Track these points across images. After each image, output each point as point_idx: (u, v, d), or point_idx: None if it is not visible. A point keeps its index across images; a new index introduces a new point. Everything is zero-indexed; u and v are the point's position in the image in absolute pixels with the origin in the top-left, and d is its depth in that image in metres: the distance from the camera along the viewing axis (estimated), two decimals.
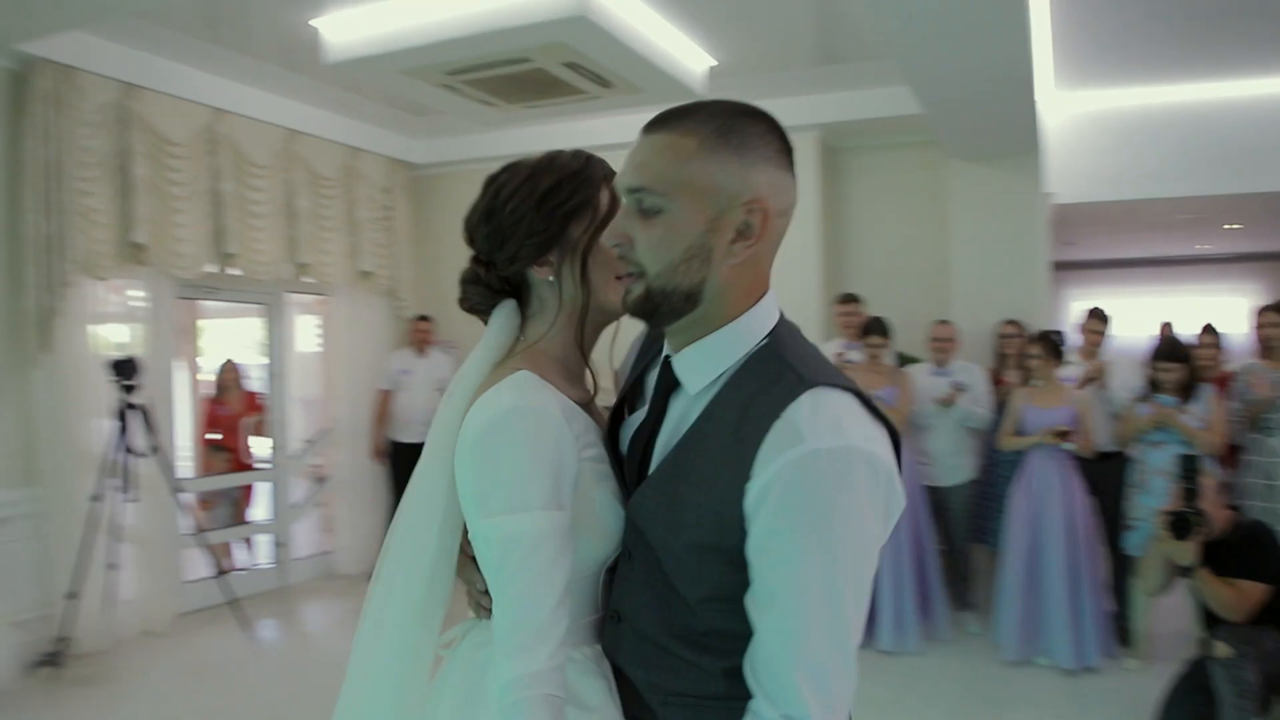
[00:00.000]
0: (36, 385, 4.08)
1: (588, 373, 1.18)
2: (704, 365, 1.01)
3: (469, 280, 1.18)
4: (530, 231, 1.12)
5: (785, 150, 1.01)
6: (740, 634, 0.95)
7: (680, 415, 1.04)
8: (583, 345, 1.16)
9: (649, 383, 1.11)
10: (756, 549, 0.92)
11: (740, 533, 0.93)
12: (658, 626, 1.02)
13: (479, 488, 1.02)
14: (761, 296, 1.02)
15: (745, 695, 0.95)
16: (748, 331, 1.01)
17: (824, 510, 0.89)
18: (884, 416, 0.97)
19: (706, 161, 0.96)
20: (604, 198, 1.14)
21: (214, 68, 4.62)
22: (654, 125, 1.00)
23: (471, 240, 1.17)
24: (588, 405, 1.13)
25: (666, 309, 1.00)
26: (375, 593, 1.15)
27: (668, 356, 1.06)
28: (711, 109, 0.99)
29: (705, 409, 1.00)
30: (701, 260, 0.98)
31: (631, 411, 1.13)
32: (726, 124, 0.97)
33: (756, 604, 0.94)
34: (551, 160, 1.16)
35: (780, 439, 0.91)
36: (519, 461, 1.00)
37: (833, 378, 0.96)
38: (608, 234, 1.04)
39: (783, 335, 1.02)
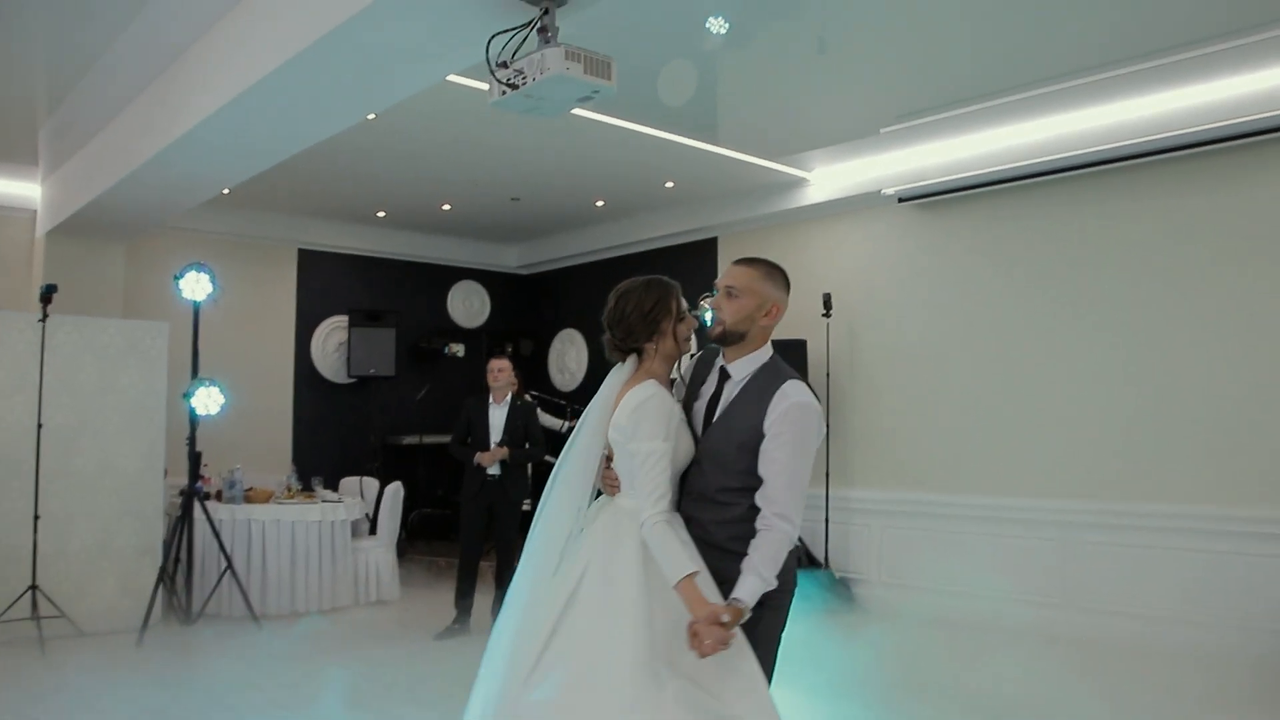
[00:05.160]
0: None
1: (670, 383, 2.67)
2: (743, 368, 2.57)
3: (611, 348, 2.66)
4: (643, 330, 2.60)
5: (787, 287, 2.60)
6: (749, 488, 2.45)
7: (729, 393, 2.57)
8: (668, 370, 2.64)
9: (703, 389, 2.65)
10: (769, 440, 2.43)
11: (760, 436, 2.44)
12: (713, 490, 2.50)
13: (636, 429, 2.47)
14: (768, 342, 2.59)
15: (752, 518, 2.43)
16: (761, 356, 2.58)
17: (797, 427, 2.43)
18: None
19: (758, 282, 2.55)
20: (674, 306, 2.62)
21: None
22: (740, 262, 2.61)
23: (610, 330, 2.64)
24: (677, 398, 2.62)
25: (732, 339, 2.56)
26: (550, 494, 2.60)
27: (723, 366, 2.61)
28: (765, 263, 2.60)
29: (742, 389, 2.55)
30: (750, 321, 2.54)
31: (688, 405, 2.67)
32: (770, 269, 2.59)
33: (765, 466, 2.43)
34: (646, 291, 2.62)
35: (780, 399, 2.46)
36: (657, 417, 2.47)
37: (796, 376, 2.50)
38: (712, 306, 2.62)
39: (776, 358, 2.57)
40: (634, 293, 2.60)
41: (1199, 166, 5.61)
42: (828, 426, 5.02)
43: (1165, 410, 5.70)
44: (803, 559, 6.69)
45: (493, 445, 6.16)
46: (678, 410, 2.56)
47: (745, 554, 2.39)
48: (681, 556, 2.36)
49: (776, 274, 2.59)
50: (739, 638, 2.34)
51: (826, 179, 7.41)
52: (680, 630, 2.29)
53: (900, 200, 6.90)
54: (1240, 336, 5.45)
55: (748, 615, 2.33)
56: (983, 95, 5.61)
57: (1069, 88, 5.43)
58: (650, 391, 2.50)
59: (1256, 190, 5.42)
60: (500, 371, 6.28)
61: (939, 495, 6.64)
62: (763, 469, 2.43)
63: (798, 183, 7.53)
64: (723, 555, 2.44)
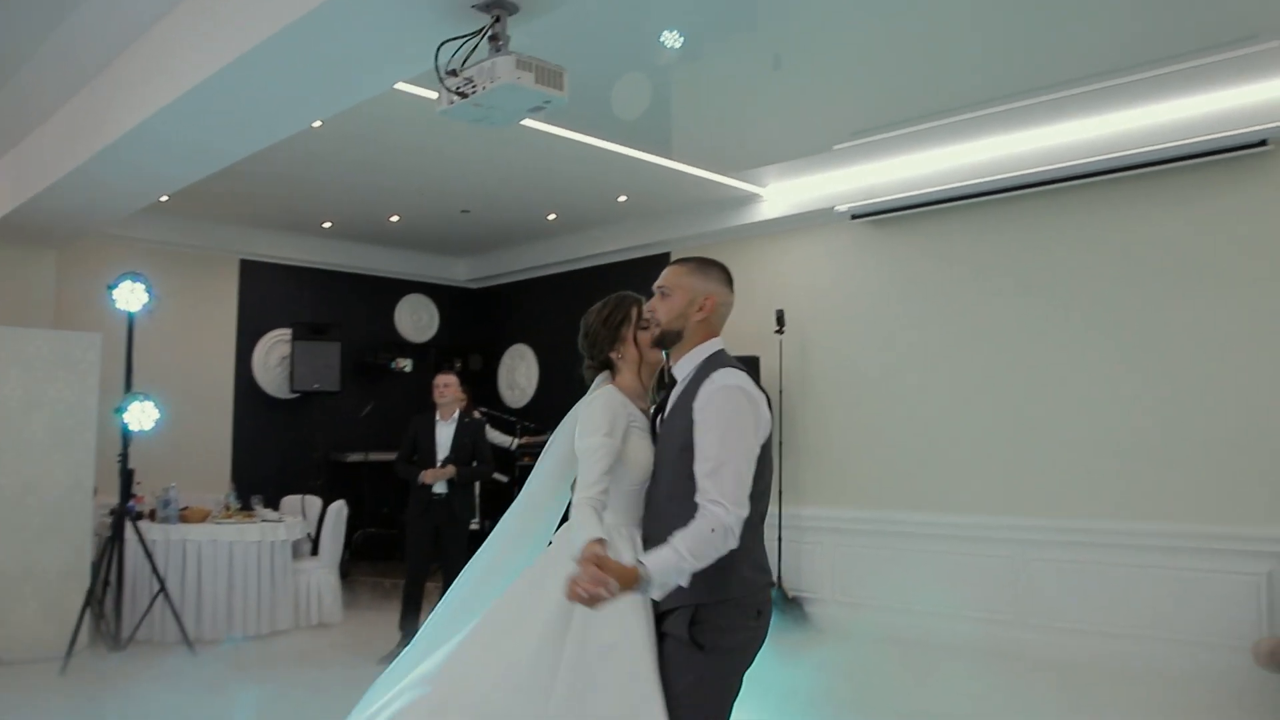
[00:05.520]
0: None
1: (647, 395, 2.67)
2: (684, 367, 2.50)
3: (585, 367, 2.70)
4: (605, 338, 2.66)
5: (727, 278, 2.56)
6: (692, 492, 2.26)
7: (673, 396, 2.49)
8: (643, 381, 2.67)
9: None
10: (695, 429, 2.31)
11: (693, 430, 2.32)
12: (662, 499, 2.41)
13: (587, 425, 2.47)
14: (710, 339, 2.50)
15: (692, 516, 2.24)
16: (703, 351, 2.50)
17: (720, 409, 2.30)
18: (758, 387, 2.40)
19: (687, 277, 2.51)
20: (634, 312, 2.66)
21: None
22: (672, 262, 2.58)
23: (582, 349, 2.70)
24: (644, 409, 2.60)
25: (670, 339, 2.51)
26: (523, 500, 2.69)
27: (670, 369, 2.56)
28: (696, 259, 2.57)
29: (683, 389, 2.44)
30: (683, 318, 2.49)
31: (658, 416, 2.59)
32: (700, 264, 2.55)
33: (697, 460, 2.29)
34: (606, 303, 2.70)
35: (705, 385, 2.34)
36: (601, 414, 2.47)
37: (734, 366, 2.40)
38: (645, 309, 2.60)
39: (721, 353, 2.49)
40: (598, 307, 2.71)
41: (1152, 185, 5.73)
42: (780, 441, 5.05)
43: (1119, 426, 5.78)
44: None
45: (439, 463, 6.06)
46: (635, 415, 2.52)
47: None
48: (595, 526, 2.27)
49: (709, 267, 2.54)
50: (650, 682, 2.26)
51: (780, 195, 7.45)
52: (587, 663, 2.26)
53: (854, 217, 6.96)
54: (1195, 352, 5.56)
55: (646, 588, 2.13)
56: (936, 113, 5.68)
57: (1023, 106, 5.52)
58: (601, 394, 2.54)
59: (1213, 209, 5.54)
60: (447, 387, 6.20)
61: (892, 512, 6.67)
62: (696, 462, 2.29)
63: (751, 198, 7.56)
64: None
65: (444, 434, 6.14)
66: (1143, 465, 5.67)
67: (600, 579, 2.06)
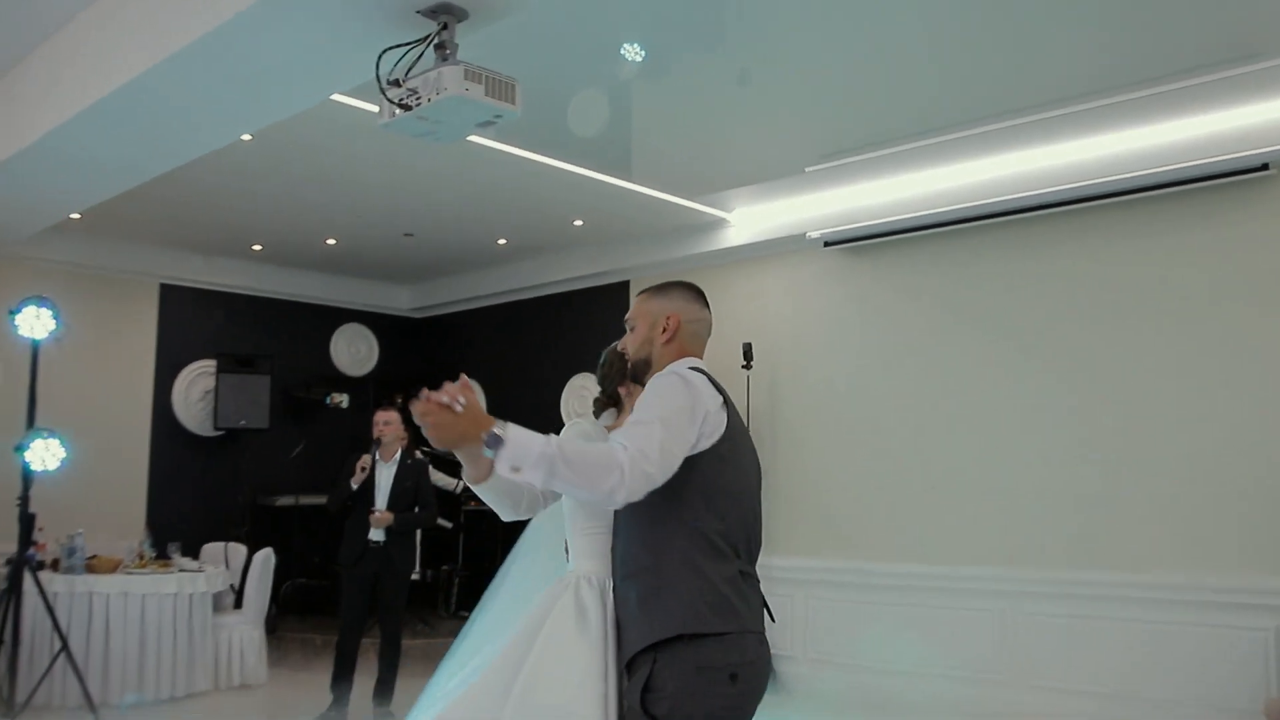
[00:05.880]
0: None
1: None
2: None
3: (594, 400, 2.88)
4: (618, 374, 2.73)
5: (693, 293, 2.59)
6: (649, 509, 2.23)
7: None
8: None
9: None
10: None
11: None
12: (622, 521, 2.36)
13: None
14: (683, 358, 2.48)
15: (636, 550, 2.31)
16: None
17: (649, 388, 2.32)
18: (719, 387, 2.40)
19: (647, 303, 2.57)
20: None
21: None
22: (639, 295, 2.62)
23: (598, 381, 2.85)
24: None
25: (640, 369, 2.54)
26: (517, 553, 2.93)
27: None
28: (656, 285, 2.62)
29: None
30: (648, 344, 2.54)
31: None
32: (660, 287, 2.61)
33: None
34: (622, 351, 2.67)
35: None
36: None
37: (701, 370, 2.42)
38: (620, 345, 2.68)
39: (694, 370, 2.41)
40: (614, 352, 2.81)
41: (1146, 212, 5.79)
42: None
43: (1113, 470, 5.81)
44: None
45: (379, 506, 5.95)
46: None
47: (633, 598, 2.26)
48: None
49: (670, 287, 2.59)
50: None
51: (748, 220, 7.47)
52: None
53: (826, 244, 6.99)
54: (1196, 393, 5.59)
55: (493, 444, 2.05)
56: (915, 134, 5.73)
57: (1009, 127, 5.57)
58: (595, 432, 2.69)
59: (1209, 239, 5.61)
60: (388, 425, 6.10)
61: (870, 563, 6.64)
62: None
63: (717, 224, 7.58)
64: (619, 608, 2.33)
65: (384, 476, 6.04)
66: (1139, 512, 5.69)
67: (453, 393, 2.07)
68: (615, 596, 2.33)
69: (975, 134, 5.65)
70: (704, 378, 2.36)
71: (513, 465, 2.04)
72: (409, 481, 6.08)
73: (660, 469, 2.12)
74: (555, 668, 2.22)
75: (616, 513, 2.36)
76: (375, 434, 6.11)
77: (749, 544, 2.31)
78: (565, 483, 2.05)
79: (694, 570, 2.18)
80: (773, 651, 2.36)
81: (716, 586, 2.18)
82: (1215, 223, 5.56)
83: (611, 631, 2.31)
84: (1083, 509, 5.87)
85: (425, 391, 2.10)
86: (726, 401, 2.37)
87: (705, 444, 2.25)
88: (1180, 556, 5.53)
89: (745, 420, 6.94)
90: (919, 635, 6.29)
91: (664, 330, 2.49)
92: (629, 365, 2.58)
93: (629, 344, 2.57)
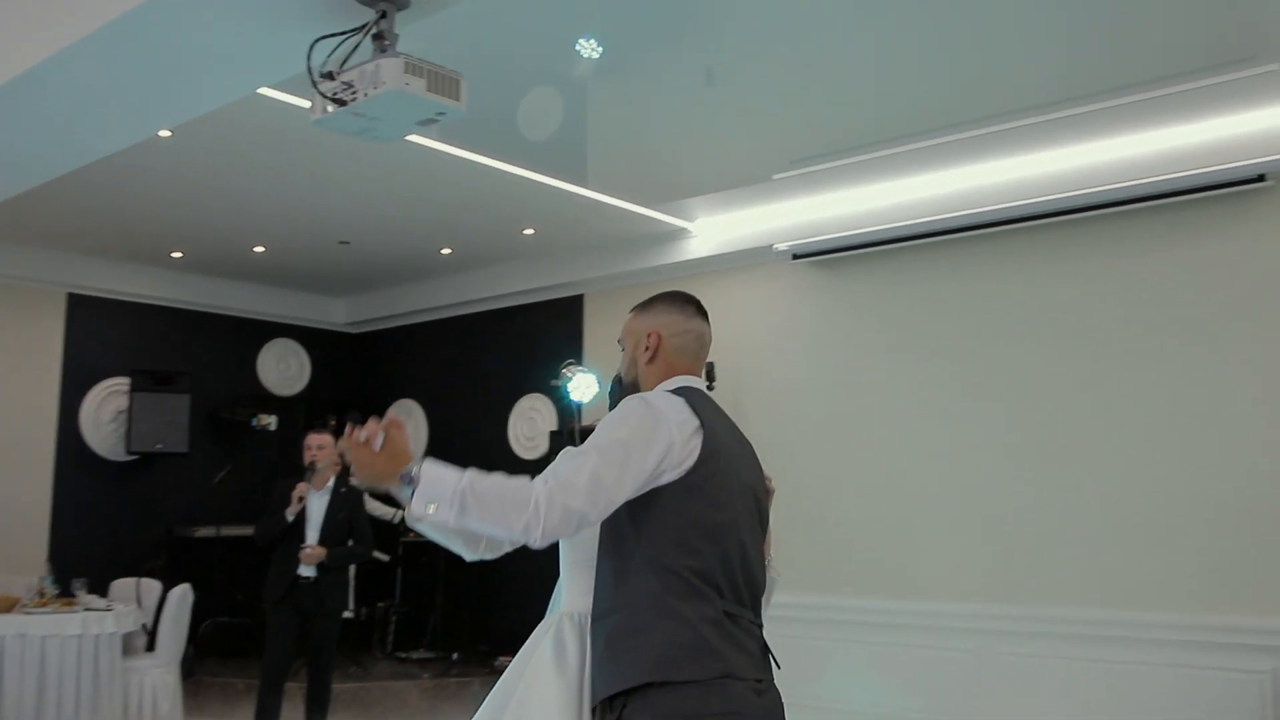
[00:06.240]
0: None
1: None
2: None
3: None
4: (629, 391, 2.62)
5: (678, 304, 2.54)
6: (611, 550, 2.29)
7: None
8: None
9: None
10: None
11: None
12: (599, 552, 2.35)
13: None
14: (672, 376, 2.45)
15: (608, 587, 2.28)
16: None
17: (610, 414, 2.30)
18: (702, 409, 2.32)
19: (633, 321, 2.56)
20: None
21: None
22: (630, 311, 2.60)
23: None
24: None
25: (630, 389, 2.49)
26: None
27: None
28: (646, 299, 2.59)
29: None
30: (634, 365, 2.53)
31: None
32: (647, 302, 2.57)
33: None
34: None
35: None
36: None
37: (679, 393, 2.35)
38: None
39: (678, 390, 2.38)
40: None
41: (1133, 224, 5.83)
42: None
43: (1095, 502, 5.83)
44: None
45: (310, 538, 5.82)
46: None
47: (601, 642, 2.23)
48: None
49: (655, 300, 2.57)
50: None
51: (711, 231, 7.47)
52: None
53: (795, 257, 6.99)
54: (1189, 417, 5.62)
55: (405, 483, 2.09)
56: (889, 140, 5.74)
57: (988, 134, 5.60)
58: None
59: (1202, 254, 5.65)
60: (321, 449, 5.98)
61: (835, 599, 6.61)
62: None
63: (678, 234, 7.57)
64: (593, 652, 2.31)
65: (316, 506, 5.91)
66: (1127, 545, 5.71)
67: (374, 430, 2.13)
68: (590, 637, 2.31)
69: (957, 140, 5.67)
70: (681, 401, 2.30)
71: (427, 503, 2.06)
72: (342, 512, 5.97)
73: (589, 501, 2.09)
74: (535, 709, 2.25)
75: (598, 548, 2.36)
76: (307, 459, 5.98)
77: (734, 582, 2.23)
78: (477, 520, 2.05)
79: (665, 612, 2.13)
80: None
81: (694, 628, 2.13)
82: (1206, 238, 5.63)
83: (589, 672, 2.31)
84: (1063, 543, 5.89)
85: (349, 428, 2.15)
86: (705, 426, 2.27)
87: (671, 475, 2.20)
88: (1169, 594, 5.54)
89: None
90: (888, 675, 6.27)
91: (646, 349, 2.48)
92: (624, 389, 2.54)
93: (621, 367, 2.58)
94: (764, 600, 2.46)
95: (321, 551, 5.80)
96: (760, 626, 2.31)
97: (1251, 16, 4.37)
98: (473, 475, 2.08)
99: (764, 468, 2.61)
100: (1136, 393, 5.76)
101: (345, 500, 6.02)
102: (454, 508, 2.03)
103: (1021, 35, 4.54)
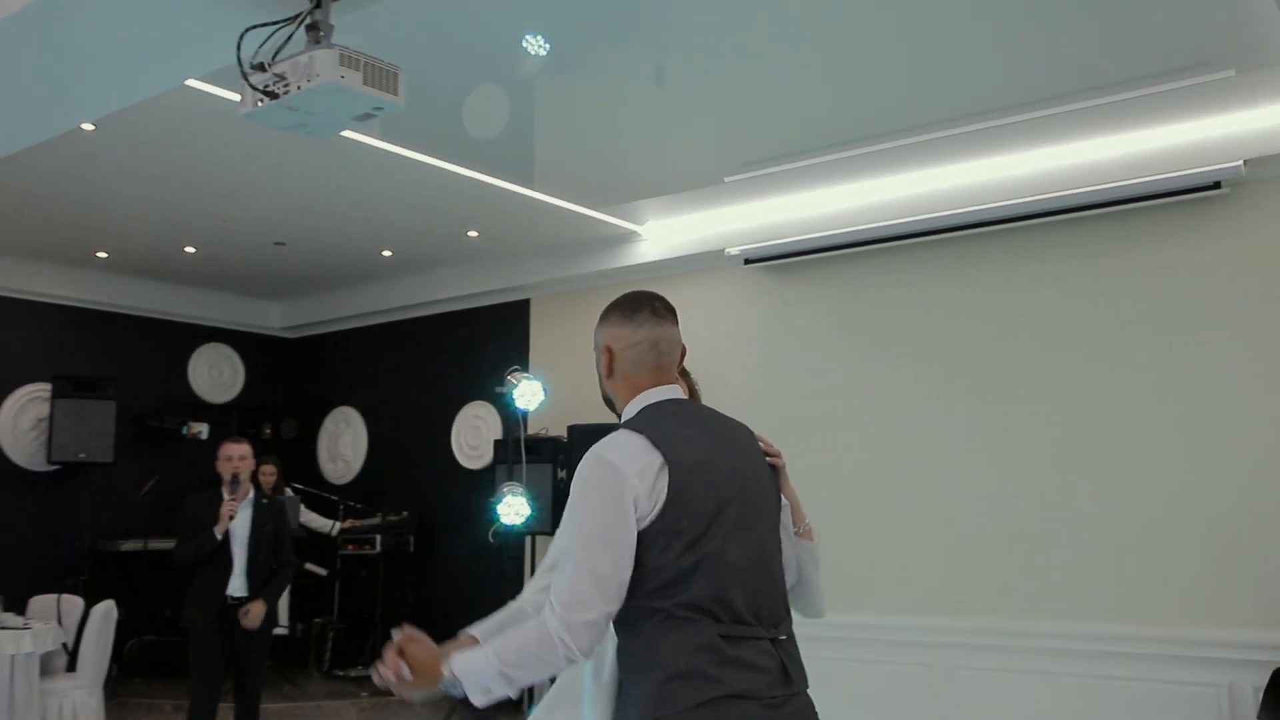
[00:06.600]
0: None
1: None
2: None
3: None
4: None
5: (626, 313, 2.41)
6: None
7: None
8: None
9: None
10: None
11: None
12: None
13: None
14: (636, 394, 2.38)
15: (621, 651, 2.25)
16: (626, 417, 2.36)
17: (574, 483, 2.20)
18: (667, 433, 2.23)
19: (595, 333, 2.46)
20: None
21: None
22: None
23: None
24: None
25: (607, 404, 2.50)
26: None
27: None
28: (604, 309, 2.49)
29: None
30: (601, 383, 2.47)
31: None
32: (602, 313, 2.46)
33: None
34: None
35: None
36: None
37: (638, 427, 2.25)
38: None
39: (641, 414, 2.33)
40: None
41: (1089, 232, 5.86)
42: None
43: (1050, 513, 5.85)
44: None
45: (236, 555, 5.64)
46: None
47: (617, 694, 2.26)
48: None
49: (605, 312, 2.48)
50: None
51: (661, 234, 7.43)
52: None
53: (747, 262, 6.96)
54: (1141, 426, 5.65)
55: (452, 689, 2.16)
56: (844, 143, 5.73)
57: (943, 137, 5.60)
58: None
59: (1158, 262, 5.68)
60: (243, 460, 5.78)
61: None
62: None
63: (627, 237, 7.53)
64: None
65: (240, 520, 5.71)
66: (1084, 558, 5.72)
67: (395, 664, 2.18)
68: None
69: (911, 144, 5.67)
70: (639, 440, 2.21)
71: (480, 692, 2.15)
72: (269, 524, 5.80)
73: (602, 601, 2.11)
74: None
75: None
76: (227, 471, 5.76)
77: (730, 604, 2.19)
78: (527, 680, 2.16)
79: (656, 649, 2.15)
80: None
81: (685, 658, 2.13)
82: (1165, 244, 5.67)
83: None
84: (1018, 554, 5.90)
85: (377, 666, 2.24)
86: (669, 461, 2.20)
87: (646, 522, 2.16)
88: (1126, 607, 5.57)
89: None
90: (838, 690, 6.21)
91: (606, 368, 2.42)
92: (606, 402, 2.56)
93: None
94: (810, 574, 2.56)
95: (262, 608, 5.66)
96: (781, 640, 2.29)
97: (1208, 22, 4.40)
98: (498, 648, 2.13)
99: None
100: (1095, 400, 5.79)
101: (270, 513, 5.86)
102: (503, 684, 2.11)
103: (979, 40, 4.54)
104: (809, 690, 2.34)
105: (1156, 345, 5.63)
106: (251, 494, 5.81)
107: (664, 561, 2.14)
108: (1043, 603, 5.80)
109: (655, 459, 2.17)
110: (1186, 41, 4.53)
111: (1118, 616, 5.56)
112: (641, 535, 2.14)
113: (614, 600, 2.12)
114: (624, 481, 2.13)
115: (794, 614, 2.43)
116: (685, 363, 2.68)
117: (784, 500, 2.53)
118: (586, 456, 2.21)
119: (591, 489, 2.17)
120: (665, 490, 2.15)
